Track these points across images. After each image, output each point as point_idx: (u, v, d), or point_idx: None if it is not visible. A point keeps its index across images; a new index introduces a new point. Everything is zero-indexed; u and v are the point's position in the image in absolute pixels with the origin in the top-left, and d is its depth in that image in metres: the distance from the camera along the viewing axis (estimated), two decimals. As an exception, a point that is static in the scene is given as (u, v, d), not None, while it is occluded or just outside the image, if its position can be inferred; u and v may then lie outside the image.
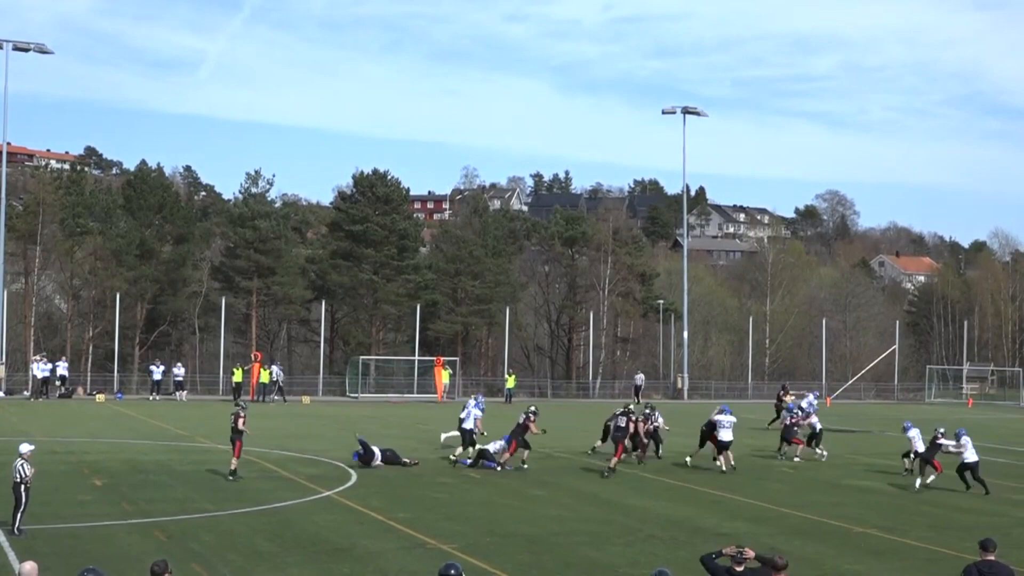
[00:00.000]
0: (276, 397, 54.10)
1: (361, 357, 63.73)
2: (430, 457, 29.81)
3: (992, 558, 12.10)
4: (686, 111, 66.54)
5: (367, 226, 67.97)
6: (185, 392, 54.19)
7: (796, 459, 31.17)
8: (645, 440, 29.97)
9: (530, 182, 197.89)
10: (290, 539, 18.05)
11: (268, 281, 65.96)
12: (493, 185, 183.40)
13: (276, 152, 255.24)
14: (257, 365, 54.62)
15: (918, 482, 26.16)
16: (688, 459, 29.15)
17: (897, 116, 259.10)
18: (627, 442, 28.19)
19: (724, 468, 28.04)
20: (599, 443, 31.25)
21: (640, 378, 63.57)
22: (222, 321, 61.83)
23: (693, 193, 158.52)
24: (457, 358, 65.14)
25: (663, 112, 67.14)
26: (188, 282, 67.04)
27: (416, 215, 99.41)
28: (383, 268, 68.00)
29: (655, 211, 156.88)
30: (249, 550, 17.13)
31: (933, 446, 26.47)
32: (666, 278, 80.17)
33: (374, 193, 69.37)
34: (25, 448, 18.12)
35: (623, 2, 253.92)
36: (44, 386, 51.93)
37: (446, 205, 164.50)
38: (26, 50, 54.69)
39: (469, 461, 28.15)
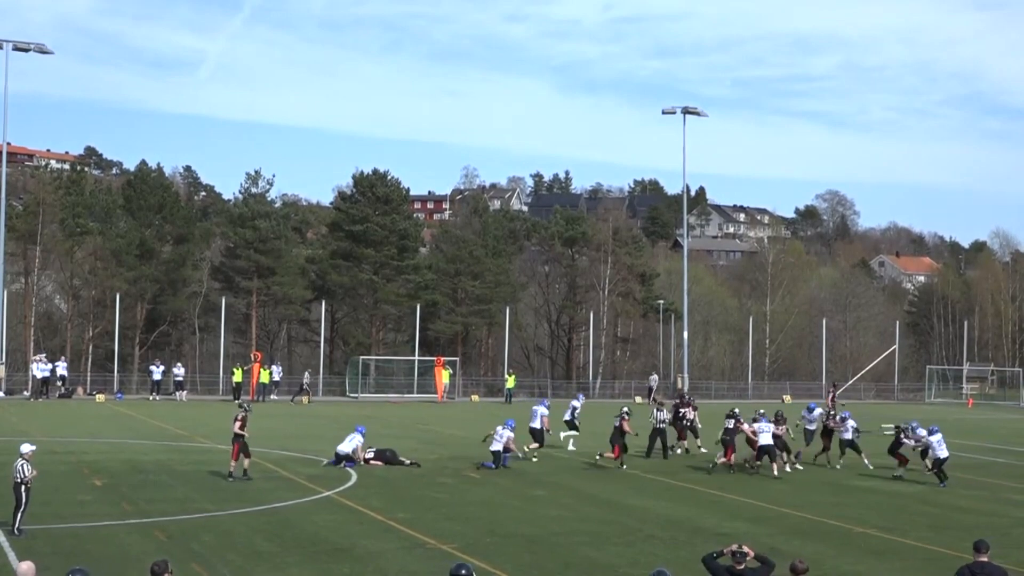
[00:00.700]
0: (301, 398, 54.35)
1: (361, 357, 63.74)
2: (430, 457, 29.81)
3: (985, 559, 12.11)
4: (686, 111, 66.46)
5: (367, 226, 67.98)
6: (185, 392, 54.18)
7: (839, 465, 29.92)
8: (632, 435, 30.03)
9: (530, 182, 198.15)
10: (290, 539, 18.05)
11: (268, 281, 65.96)
12: (493, 185, 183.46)
13: (276, 152, 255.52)
14: (257, 365, 54.62)
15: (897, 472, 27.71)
16: (713, 464, 28.96)
17: (897, 116, 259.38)
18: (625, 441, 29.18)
19: (777, 473, 27.75)
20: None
21: (654, 379, 63.30)
22: (222, 321, 61.83)
23: (693, 193, 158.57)
24: (457, 358, 65.17)
25: (663, 112, 67.06)
26: (188, 282, 67.04)
27: (416, 215, 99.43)
28: (383, 268, 68.01)
29: (655, 211, 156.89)
30: (249, 550, 17.13)
31: (897, 441, 28.10)
32: (666, 278, 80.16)
33: (374, 193, 69.38)
34: (26, 448, 18.12)
35: (623, 2, 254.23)
36: (44, 386, 51.91)
37: (446, 205, 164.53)
38: (26, 50, 54.65)
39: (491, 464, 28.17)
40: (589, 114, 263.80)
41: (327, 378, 63.20)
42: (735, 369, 78.35)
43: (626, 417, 28.85)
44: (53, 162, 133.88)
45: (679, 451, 32.37)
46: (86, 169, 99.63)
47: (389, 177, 70.88)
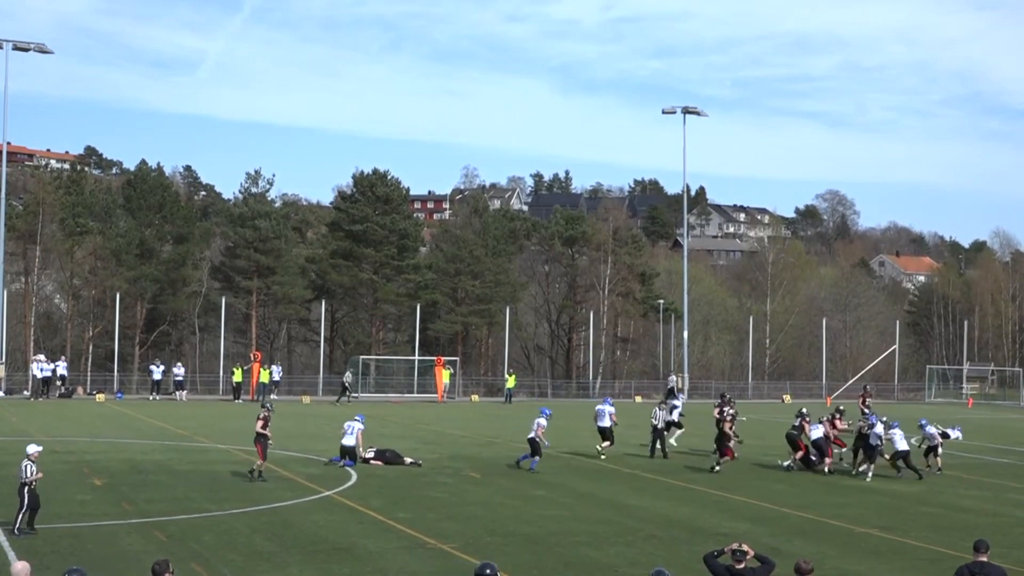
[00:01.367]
0: (345, 399, 54.37)
1: (361, 357, 63.75)
2: (430, 457, 29.81)
3: (984, 559, 12.10)
4: (686, 111, 66.50)
5: (367, 226, 67.99)
6: (185, 392, 54.19)
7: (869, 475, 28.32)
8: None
9: (530, 182, 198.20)
10: (290, 539, 18.04)
11: (268, 281, 65.96)
12: (493, 185, 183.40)
13: (276, 152, 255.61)
14: (257, 365, 54.62)
15: (862, 469, 28.13)
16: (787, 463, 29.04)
17: (897, 116, 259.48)
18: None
19: (900, 473, 27.97)
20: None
21: (673, 379, 63.05)
22: (222, 321, 61.84)
23: (693, 193, 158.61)
24: (457, 358, 65.16)
25: (663, 112, 67.12)
26: (188, 282, 67.03)
27: (416, 215, 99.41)
28: (383, 268, 68.02)
29: (655, 211, 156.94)
30: (249, 550, 17.12)
31: (860, 435, 28.72)
32: (666, 278, 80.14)
33: (374, 193, 69.38)
34: (32, 449, 18.23)
35: (623, 2, 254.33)
36: (44, 386, 51.91)
37: (446, 205, 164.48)
38: (26, 50, 54.68)
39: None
40: (589, 114, 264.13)
41: (327, 378, 63.19)
42: (735, 369, 78.35)
43: (731, 420, 29.02)
44: (53, 162, 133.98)
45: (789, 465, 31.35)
46: (86, 169, 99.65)
47: (389, 177, 70.90)
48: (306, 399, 56.09)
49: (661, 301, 72.29)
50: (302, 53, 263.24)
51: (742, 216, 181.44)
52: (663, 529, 19.89)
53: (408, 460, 28.35)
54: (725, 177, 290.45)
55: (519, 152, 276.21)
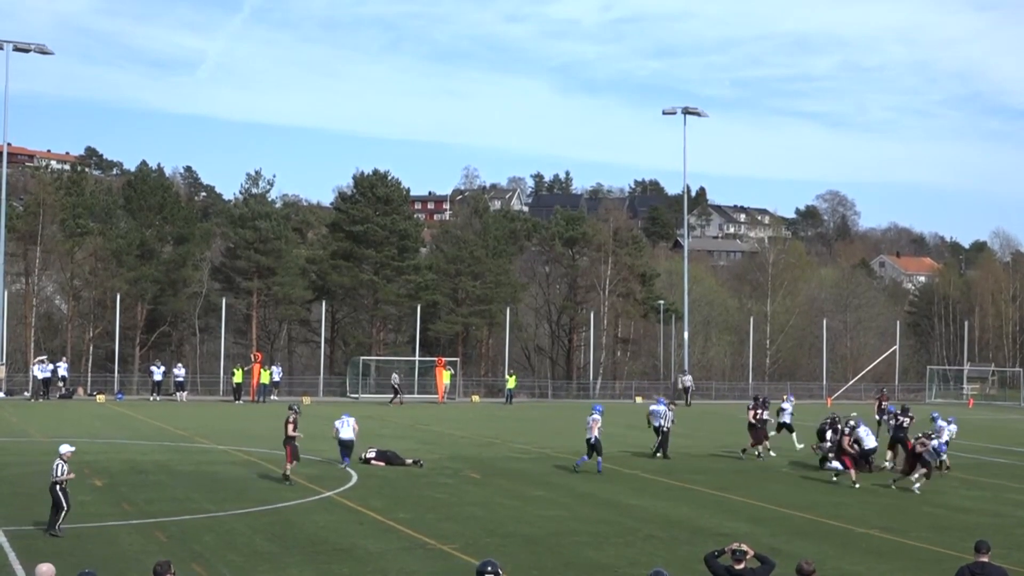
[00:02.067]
0: (397, 400, 54.41)
1: (361, 357, 63.73)
2: (430, 457, 29.81)
3: (985, 559, 12.10)
4: (686, 111, 66.49)
5: (367, 226, 67.99)
6: (185, 393, 54.18)
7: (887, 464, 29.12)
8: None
9: (530, 182, 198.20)
10: (290, 539, 18.05)
11: (268, 281, 65.96)
12: (493, 185, 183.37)
13: (276, 152, 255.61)
14: (257, 366, 54.60)
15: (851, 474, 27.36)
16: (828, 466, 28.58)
17: (897, 116, 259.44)
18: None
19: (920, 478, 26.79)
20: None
21: (688, 379, 62.93)
22: (222, 321, 61.82)
23: (693, 193, 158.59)
24: (458, 358, 65.14)
25: (663, 112, 67.11)
26: (188, 282, 67.02)
27: (416, 215, 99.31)
28: (383, 268, 68.01)
29: (655, 211, 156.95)
30: (249, 550, 17.12)
31: (895, 439, 28.83)
32: (666, 278, 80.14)
33: (374, 193, 69.38)
34: (64, 449, 18.53)
35: (622, 2, 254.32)
36: (45, 387, 51.92)
37: (446, 205, 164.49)
38: (26, 50, 54.69)
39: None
40: (589, 114, 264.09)
41: (327, 378, 63.19)
42: (735, 369, 78.36)
43: (848, 431, 27.74)
44: (53, 162, 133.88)
45: (758, 455, 31.13)
46: (86, 169, 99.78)
47: (389, 177, 70.92)
48: (306, 399, 56.06)
49: (662, 302, 72.29)
50: (302, 53, 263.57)
51: (742, 217, 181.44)
52: (663, 529, 19.89)
53: (409, 460, 28.37)
54: (725, 177, 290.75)
55: (519, 152, 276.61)
